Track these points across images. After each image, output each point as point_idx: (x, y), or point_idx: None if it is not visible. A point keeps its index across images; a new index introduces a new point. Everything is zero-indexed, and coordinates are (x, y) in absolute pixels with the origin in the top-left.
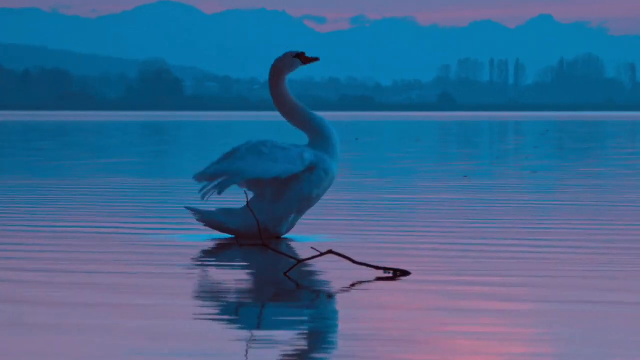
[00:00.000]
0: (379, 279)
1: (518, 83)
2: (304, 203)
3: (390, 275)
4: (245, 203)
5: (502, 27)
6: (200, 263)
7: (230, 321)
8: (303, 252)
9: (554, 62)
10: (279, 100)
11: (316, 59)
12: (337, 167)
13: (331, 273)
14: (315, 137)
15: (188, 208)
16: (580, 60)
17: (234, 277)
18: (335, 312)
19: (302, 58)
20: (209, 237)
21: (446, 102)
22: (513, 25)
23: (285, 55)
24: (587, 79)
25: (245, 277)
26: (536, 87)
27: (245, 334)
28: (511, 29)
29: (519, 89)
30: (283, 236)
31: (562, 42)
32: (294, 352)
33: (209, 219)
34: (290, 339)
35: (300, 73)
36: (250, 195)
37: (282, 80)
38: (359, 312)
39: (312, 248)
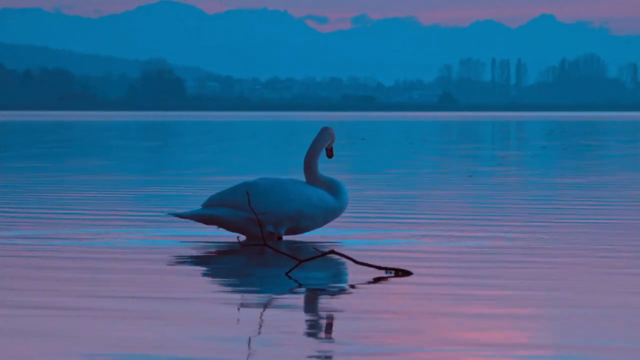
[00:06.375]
0: (380, 279)
1: (520, 83)
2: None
3: (392, 275)
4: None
5: (504, 27)
6: (201, 263)
7: (231, 321)
8: (305, 252)
9: (555, 62)
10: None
11: (331, 156)
12: (335, 205)
13: (333, 273)
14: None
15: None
16: (582, 60)
17: (235, 277)
18: (337, 312)
19: (330, 149)
20: (209, 237)
21: (448, 102)
22: (515, 25)
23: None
24: (589, 79)
25: (247, 277)
26: (538, 87)
27: (246, 333)
28: (513, 29)
29: (520, 89)
30: (284, 236)
31: (564, 42)
32: (296, 352)
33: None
34: (291, 338)
35: (301, 73)
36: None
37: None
38: (360, 312)
39: (314, 248)
